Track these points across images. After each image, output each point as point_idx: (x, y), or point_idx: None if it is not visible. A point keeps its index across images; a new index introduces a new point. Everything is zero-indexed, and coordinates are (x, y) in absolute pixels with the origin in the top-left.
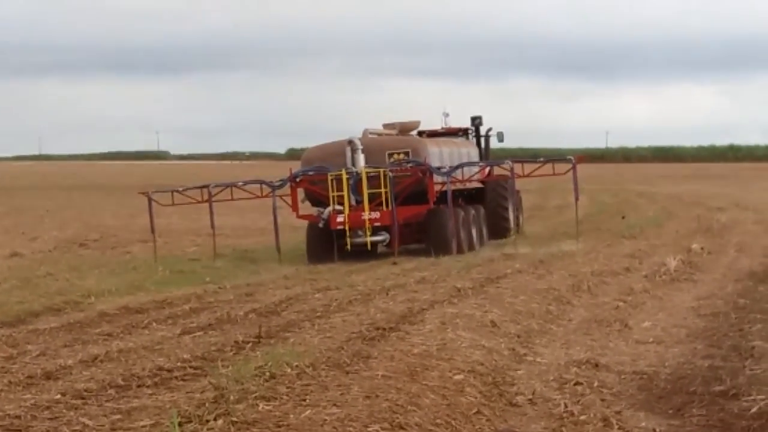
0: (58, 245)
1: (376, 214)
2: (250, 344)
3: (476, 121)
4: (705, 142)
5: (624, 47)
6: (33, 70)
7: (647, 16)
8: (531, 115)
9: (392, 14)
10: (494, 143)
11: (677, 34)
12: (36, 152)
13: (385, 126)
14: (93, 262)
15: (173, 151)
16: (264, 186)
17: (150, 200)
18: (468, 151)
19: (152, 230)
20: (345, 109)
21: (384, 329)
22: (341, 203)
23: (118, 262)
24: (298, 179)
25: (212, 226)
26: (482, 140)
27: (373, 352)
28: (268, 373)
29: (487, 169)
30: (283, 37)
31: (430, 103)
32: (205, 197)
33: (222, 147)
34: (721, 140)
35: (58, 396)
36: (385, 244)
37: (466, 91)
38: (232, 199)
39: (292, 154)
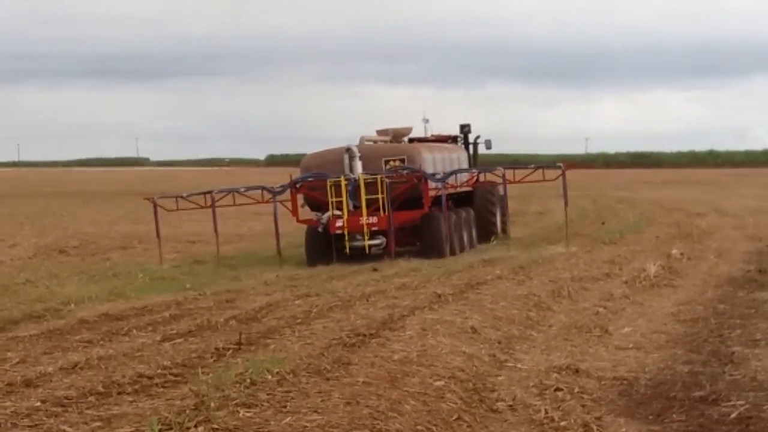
0: (38, 252)
1: (373, 219)
2: (231, 351)
3: (465, 128)
4: (684, 147)
5: (601, 54)
6: (11, 76)
7: (624, 23)
8: (509, 122)
9: (370, 21)
10: (481, 150)
11: (654, 40)
12: (15, 159)
13: (379, 132)
14: (73, 269)
15: (153, 158)
16: (265, 192)
17: (155, 206)
18: (458, 157)
19: (157, 234)
20: (324, 116)
21: (364, 336)
22: (339, 208)
23: (98, 269)
24: (298, 185)
25: (215, 230)
26: (470, 147)
27: (353, 359)
28: (248, 380)
29: (473, 174)
30: (262, 43)
31: (408, 109)
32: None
33: (201, 153)
34: (700, 146)
35: (38, 403)
36: (381, 247)
37: (444, 98)
38: (234, 205)
39: (272, 161)
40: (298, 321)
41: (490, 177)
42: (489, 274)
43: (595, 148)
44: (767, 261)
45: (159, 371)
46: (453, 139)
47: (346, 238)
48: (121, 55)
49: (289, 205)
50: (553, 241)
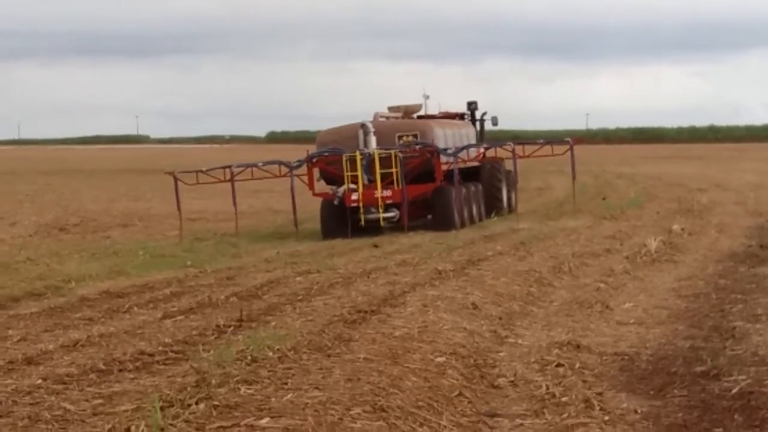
0: (38, 230)
1: (387, 192)
2: (232, 328)
3: (472, 105)
4: (682, 122)
5: (600, 29)
6: (10, 54)
7: None
8: (508, 97)
9: None
10: (487, 126)
11: (652, 15)
12: (15, 137)
13: (390, 109)
14: (73, 246)
15: (153, 135)
16: (282, 167)
17: (176, 180)
18: (467, 133)
19: (178, 208)
20: (322, 93)
21: (365, 312)
22: (354, 182)
23: (98, 246)
24: (314, 160)
25: (234, 204)
26: (477, 124)
27: (354, 335)
28: (249, 357)
29: (482, 150)
30: (260, 20)
31: (407, 85)
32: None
33: (201, 130)
34: (698, 120)
35: (39, 381)
36: (395, 220)
37: (442, 74)
38: (253, 179)
39: (272, 138)
40: (299, 298)
41: (500, 152)
42: (490, 250)
43: (595, 124)
44: None
45: (160, 348)
46: (460, 116)
47: (361, 210)
48: (120, 33)
49: (305, 179)
50: (554, 217)
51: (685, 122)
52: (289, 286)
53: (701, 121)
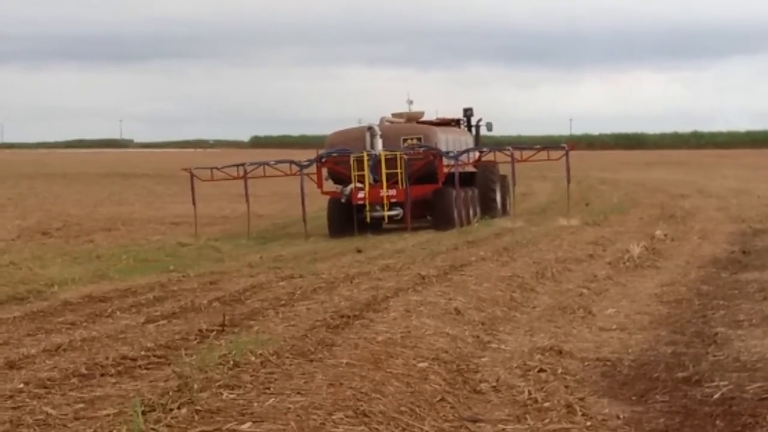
0: (21, 234)
1: (392, 192)
2: (214, 333)
3: (468, 112)
4: (665, 128)
5: (583, 35)
6: None
7: (606, 4)
8: (491, 103)
9: (351, 2)
10: (482, 132)
11: (635, 21)
12: None
13: (394, 115)
14: (56, 250)
15: (137, 139)
16: (293, 166)
17: (192, 176)
18: (466, 139)
19: (193, 202)
20: (306, 98)
21: (348, 317)
22: (361, 182)
23: (81, 250)
24: (323, 160)
25: (246, 200)
26: (473, 129)
27: (337, 340)
28: (232, 362)
29: (477, 155)
30: (244, 25)
31: (390, 90)
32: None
33: (186, 135)
34: (681, 126)
35: (21, 385)
36: (398, 217)
37: (425, 79)
38: (265, 176)
39: (256, 142)
40: (282, 302)
41: (498, 156)
42: (473, 255)
43: (578, 130)
44: (750, 242)
45: (142, 353)
46: (456, 122)
47: (367, 208)
48: (105, 37)
49: (314, 177)
50: (537, 222)
51: (667, 128)
52: (272, 290)
53: (684, 127)
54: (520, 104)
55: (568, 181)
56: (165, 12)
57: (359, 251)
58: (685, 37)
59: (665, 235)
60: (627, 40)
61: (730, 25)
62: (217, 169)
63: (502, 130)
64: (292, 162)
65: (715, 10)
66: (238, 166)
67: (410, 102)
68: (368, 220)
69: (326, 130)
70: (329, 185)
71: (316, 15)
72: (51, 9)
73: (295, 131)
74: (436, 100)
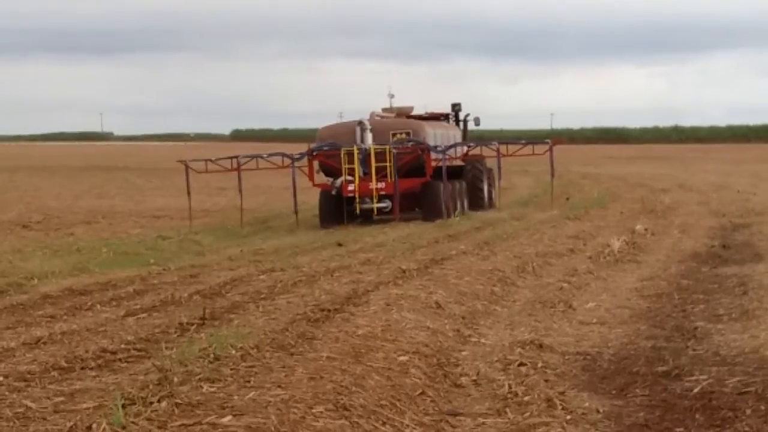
0: (1, 227)
1: (381, 184)
2: (195, 326)
3: (456, 107)
4: (646, 122)
5: (565, 29)
6: None
7: None
8: (473, 97)
9: None
10: (470, 126)
11: (615, 16)
12: None
13: (384, 110)
14: (36, 243)
15: (117, 132)
16: (285, 159)
17: (187, 168)
18: (454, 134)
19: (188, 193)
20: (287, 91)
21: (329, 311)
22: (351, 174)
23: (61, 243)
24: (314, 153)
25: (240, 191)
26: (461, 124)
27: (317, 334)
28: (212, 355)
29: (465, 149)
30: (226, 18)
31: (372, 83)
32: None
33: (166, 128)
34: (662, 121)
35: (1, 378)
36: (387, 210)
37: (407, 73)
38: (258, 169)
39: (237, 135)
40: (263, 296)
41: (484, 150)
42: (453, 249)
43: (559, 124)
44: (730, 236)
45: (122, 346)
46: (445, 117)
47: (357, 200)
48: (86, 29)
49: (306, 170)
50: (519, 216)
51: (648, 122)
52: (252, 284)
53: (664, 121)
54: (502, 98)
55: (552, 176)
56: (147, 5)
57: (340, 245)
58: (666, 31)
59: (646, 229)
60: (608, 35)
61: (711, 20)
62: (211, 161)
63: (484, 124)
64: (284, 155)
65: (695, 5)
66: (231, 158)
67: (392, 96)
68: (358, 211)
69: (307, 123)
70: (320, 178)
71: (298, 8)
72: (32, 1)
73: (276, 125)
74: (419, 93)
